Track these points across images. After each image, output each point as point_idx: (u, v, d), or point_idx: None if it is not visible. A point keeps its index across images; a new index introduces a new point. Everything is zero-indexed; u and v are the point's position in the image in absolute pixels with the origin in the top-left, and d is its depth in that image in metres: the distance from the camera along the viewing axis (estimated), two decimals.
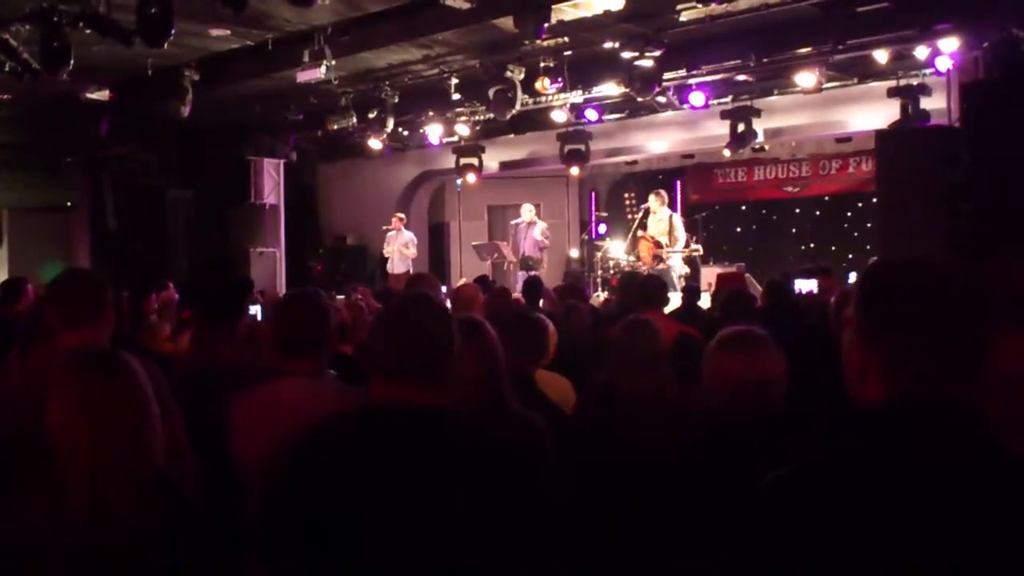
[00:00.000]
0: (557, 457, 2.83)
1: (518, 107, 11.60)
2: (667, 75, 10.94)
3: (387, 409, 2.02)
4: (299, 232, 16.81)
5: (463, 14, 8.88)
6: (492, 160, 15.75)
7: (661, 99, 12.31)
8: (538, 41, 9.91)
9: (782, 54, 10.78)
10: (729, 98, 12.58)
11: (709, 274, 13.65)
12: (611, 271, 14.19)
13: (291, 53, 10.36)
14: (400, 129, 13.96)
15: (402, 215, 15.62)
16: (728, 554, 1.61)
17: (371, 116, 12.72)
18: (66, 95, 11.61)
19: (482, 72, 11.45)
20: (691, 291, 9.51)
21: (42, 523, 2.20)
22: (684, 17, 9.55)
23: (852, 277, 11.63)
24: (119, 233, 16.10)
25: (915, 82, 11.25)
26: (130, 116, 12.94)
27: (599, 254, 14.79)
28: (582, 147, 13.82)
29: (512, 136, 14.84)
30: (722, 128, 12.80)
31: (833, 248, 16.19)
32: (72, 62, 8.73)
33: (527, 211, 14.93)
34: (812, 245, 16.62)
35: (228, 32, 10.22)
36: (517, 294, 8.32)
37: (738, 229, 17.62)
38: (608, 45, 10.59)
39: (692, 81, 11.63)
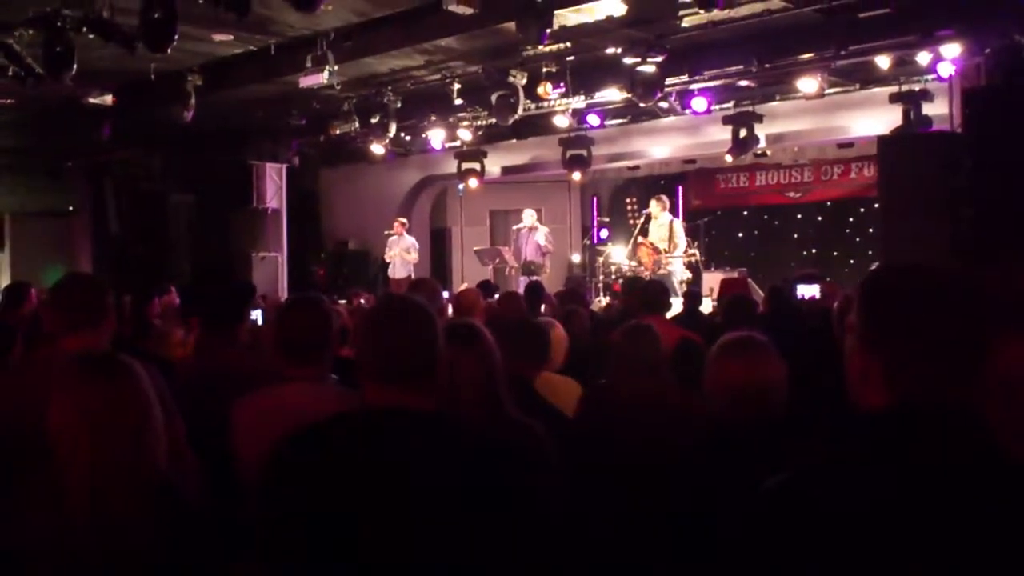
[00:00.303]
0: (557, 461, 2.83)
1: (520, 112, 11.60)
2: (669, 80, 10.96)
3: (379, 412, 2.02)
4: (301, 237, 16.82)
5: (465, 20, 8.89)
6: (494, 165, 15.76)
7: (663, 104, 12.31)
8: (540, 46, 9.93)
9: (784, 60, 10.78)
10: (731, 103, 12.59)
11: (711, 279, 13.66)
12: (613, 276, 14.20)
13: (294, 58, 10.38)
14: (402, 134, 13.97)
15: (404, 220, 15.62)
16: (728, 558, 1.62)
17: (373, 121, 12.72)
18: (69, 99, 11.64)
19: (484, 77, 11.46)
20: (692, 296, 9.52)
21: (42, 524, 2.20)
22: (686, 23, 9.56)
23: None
24: (121, 237, 16.11)
25: (917, 88, 11.26)
26: (133, 120, 12.96)
27: (601, 259, 14.80)
28: (584, 152, 13.83)
29: (514, 141, 14.86)
30: (724, 133, 12.82)
31: (835, 253, 16.20)
32: (75, 67, 8.74)
33: (529, 216, 14.94)
34: (814, 250, 16.63)
35: (231, 37, 10.25)
36: None
37: (740, 234, 17.63)
38: (610, 50, 10.60)
39: (694, 86, 11.64)
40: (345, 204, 17.78)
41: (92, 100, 11.84)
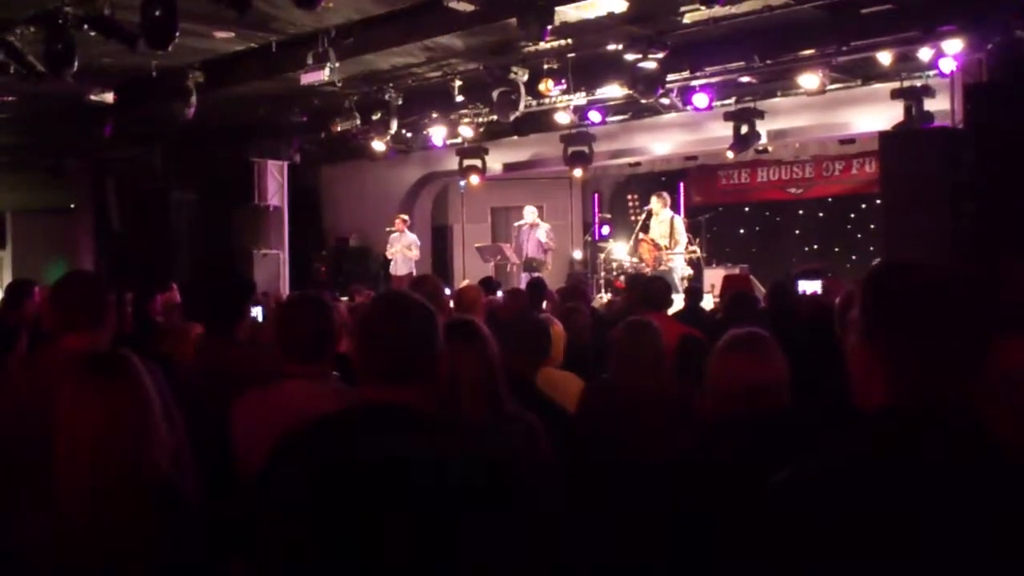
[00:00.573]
0: (556, 457, 2.83)
1: (521, 109, 11.59)
2: (670, 77, 10.94)
3: (379, 409, 2.01)
4: (302, 234, 16.82)
5: (466, 16, 8.88)
6: (495, 162, 15.75)
7: (664, 101, 12.29)
8: (542, 43, 9.92)
9: (785, 56, 10.77)
10: (732, 100, 12.57)
11: (712, 276, 13.65)
12: (614, 273, 14.20)
13: (295, 55, 10.37)
14: (404, 131, 13.95)
15: (405, 217, 15.62)
16: (729, 556, 1.61)
17: (375, 118, 12.71)
18: (70, 97, 11.63)
19: (486, 74, 11.45)
20: (693, 292, 9.52)
21: (43, 524, 2.20)
22: (687, 19, 9.55)
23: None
24: (123, 235, 16.11)
25: (919, 84, 11.23)
26: (134, 118, 12.94)
27: (602, 256, 14.80)
28: (585, 149, 13.83)
29: (515, 138, 14.84)
30: (725, 130, 12.80)
31: (836, 250, 16.19)
32: (76, 64, 8.73)
33: (530, 213, 14.94)
34: (815, 247, 16.62)
35: (232, 34, 10.23)
36: None
37: (741, 231, 17.62)
38: (611, 47, 10.58)
39: (695, 83, 11.62)
40: (347, 201, 17.77)
41: (93, 97, 11.83)
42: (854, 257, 15.61)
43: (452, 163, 15.57)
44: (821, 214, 16.92)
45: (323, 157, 17.28)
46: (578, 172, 14.55)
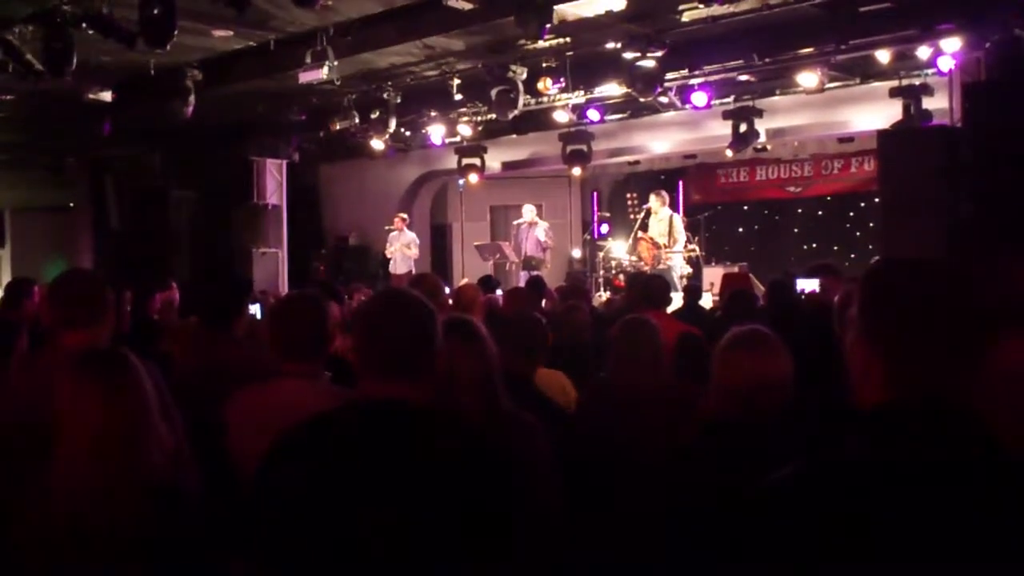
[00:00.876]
0: (554, 456, 2.82)
1: (520, 107, 11.58)
2: (669, 75, 10.94)
3: (377, 405, 2.01)
4: (301, 232, 16.81)
5: (465, 15, 8.87)
6: (494, 160, 15.75)
7: (663, 99, 12.29)
8: (540, 42, 9.91)
9: (784, 54, 10.77)
10: (731, 98, 12.57)
11: (711, 274, 13.66)
12: (613, 271, 14.20)
13: (293, 54, 10.36)
14: (402, 129, 13.95)
15: (404, 215, 15.63)
16: (728, 554, 1.61)
17: (373, 116, 12.71)
18: (69, 95, 11.60)
19: (484, 72, 11.44)
20: (692, 291, 9.52)
21: (42, 524, 2.20)
22: (686, 17, 9.54)
23: None
24: (122, 233, 16.10)
25: (917, 82, 11.24)
26: (133, 116, 12.92)
27: (601, 254, 14.80)
28: (584, 147, 13.82)
29: (514, 136, 14.84)
30: (724, 128, 12.81)
31: (835, 248, 16.18)
32: (75, 63, 8.73)
33: (529, 211, 14.94)
34: (814, 245, 16.62)
35: (231, 33, 10.23)
36: None
37: (740, 229, 17.62)
38: (610, 45, 10.57)
39: (694, 81, 11.61)
40: (345, 200, 17.77)
41: (92, 96, 11.81)
42: (853, 255, 15.60)
43: (451, 162, 15.57)
44: (820, 212, 16.93)
45: (322, 156, 17.27)
46: (577, 171, 14.55)
